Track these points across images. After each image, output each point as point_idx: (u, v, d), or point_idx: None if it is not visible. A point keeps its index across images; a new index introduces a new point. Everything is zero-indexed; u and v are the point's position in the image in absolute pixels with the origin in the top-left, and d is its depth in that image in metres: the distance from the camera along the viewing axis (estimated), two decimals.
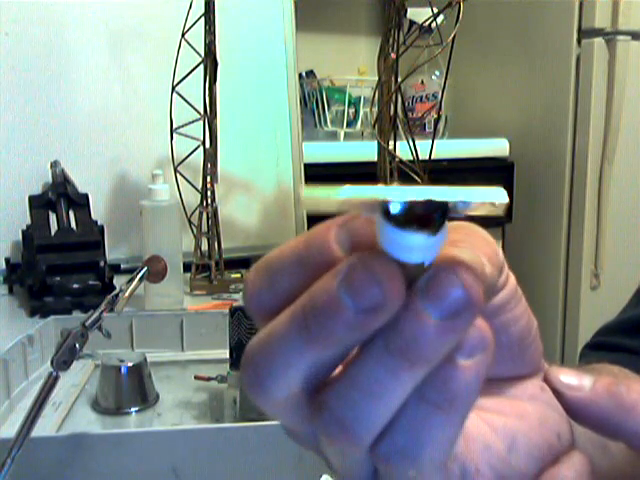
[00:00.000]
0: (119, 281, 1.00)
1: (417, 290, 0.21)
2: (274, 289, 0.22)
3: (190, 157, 1.20)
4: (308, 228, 1.39)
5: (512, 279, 0.27)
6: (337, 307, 0.20)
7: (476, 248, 0.24)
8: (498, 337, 0.26)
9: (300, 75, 1.76)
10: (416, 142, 1.20)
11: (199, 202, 1.22)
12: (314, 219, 1.49)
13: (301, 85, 1.79)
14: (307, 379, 0.22)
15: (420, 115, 1.84)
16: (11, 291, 1.21)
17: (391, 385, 0.21)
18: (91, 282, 1.11)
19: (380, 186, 0.21)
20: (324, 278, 0.21)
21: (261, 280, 0.22)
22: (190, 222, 1.22)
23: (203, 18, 1.16)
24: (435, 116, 1.54)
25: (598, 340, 0.59)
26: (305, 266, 0.22)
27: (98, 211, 1.29)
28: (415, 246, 0.21)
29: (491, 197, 0.20)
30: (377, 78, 1.19)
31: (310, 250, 0.22)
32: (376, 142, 1.22)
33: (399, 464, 0.22)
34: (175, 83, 1.16)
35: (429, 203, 0.20)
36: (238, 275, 1.26)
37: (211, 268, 1.21)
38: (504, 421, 0.27)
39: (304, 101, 1.83)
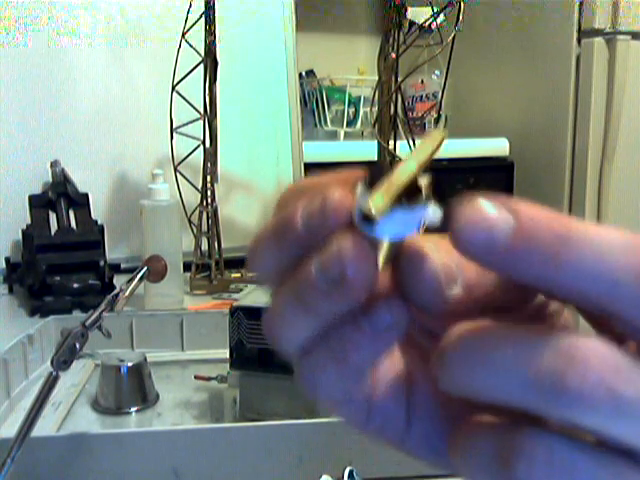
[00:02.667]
0: (119, 281, 1.00)
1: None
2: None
3: (190, 157, 1.20)
4: None
5: None
6: (293, 223, 0.23)
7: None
8: None
9: (300, 75, 1.76)
10: (416, 142, 1.20)
11: (199, 202, 1.22)
12: None
13: (301, 85, 1.78)
14: (277, 268, 0.25)
15: (420, 115, 1.84)
16: (11, 291, 1.21)
17: (294, 317, 0.24)
18: (91, 282, 1.11)
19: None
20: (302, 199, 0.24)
21: (292, 196, 0.25)
22: (190, 222, 1.22)
23: (203, 18, 1.16)
24: (435, 116, 1.54)
25: None
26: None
27: (98, 211, 1.29)
28: (357, 201, 0.22)
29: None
30: (377, 78, 1.19)
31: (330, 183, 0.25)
32: (376, 142, 1.22)
33: (306, 386, 0.25)
34: (175, 83, 1.16)
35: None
36: (238, 275, 1.26)
37: (211, 268, 1.21)
38: None
39: (304, 101, 1.83)
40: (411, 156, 0.23)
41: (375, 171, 0.23)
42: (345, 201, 0.23)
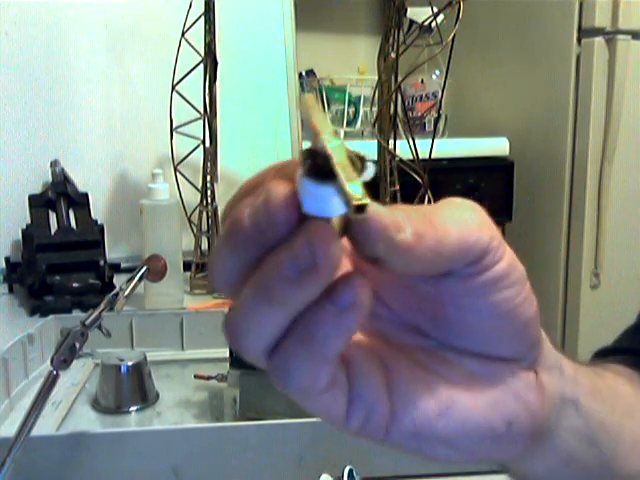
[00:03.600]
0: (119, 280, 1.00)
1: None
2: None
3: (190, 156, 1.20)
4: None
5: (503, 263, 0.27)
6: (241, 225, 0.23)
7: (422, 217, 0.25)
8: (474, 315, 0.27)
9: (300, 75, 1.76)
10: (416, 141, 1.20)
11: (199, 201, 1.22)
12: None
13: (301, 85, 1.78)
14: (237, 274, 0.25)
15: (420, 114, 1.84)
16: (11, 290, 1.21)
17: (262, 314, 0.24)
18: (91, 281, 1.11)
19: (325, 134, 0.23)
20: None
21: (236, 201, 0.25)
22: (190, 221, 1.22)
23: (203, 18, 1.16)
24: (435, 115, 1.54)
25: (613, 346, 0.57)
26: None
27: (98, 210, 1.29)
28: (307, 192, 0.22)
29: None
30: (377, 77, 1.19)
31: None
32: (376, 141, 1.22)
33: (280, 381, 0.25)
34: (175, 82, 1.16)
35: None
36: None
37: None
38: (445, 386, 0.28)
39: None
40: (324, 134, 0.23)
41: (309, 155, 0.23)
42: (287, 192, 0.23)
